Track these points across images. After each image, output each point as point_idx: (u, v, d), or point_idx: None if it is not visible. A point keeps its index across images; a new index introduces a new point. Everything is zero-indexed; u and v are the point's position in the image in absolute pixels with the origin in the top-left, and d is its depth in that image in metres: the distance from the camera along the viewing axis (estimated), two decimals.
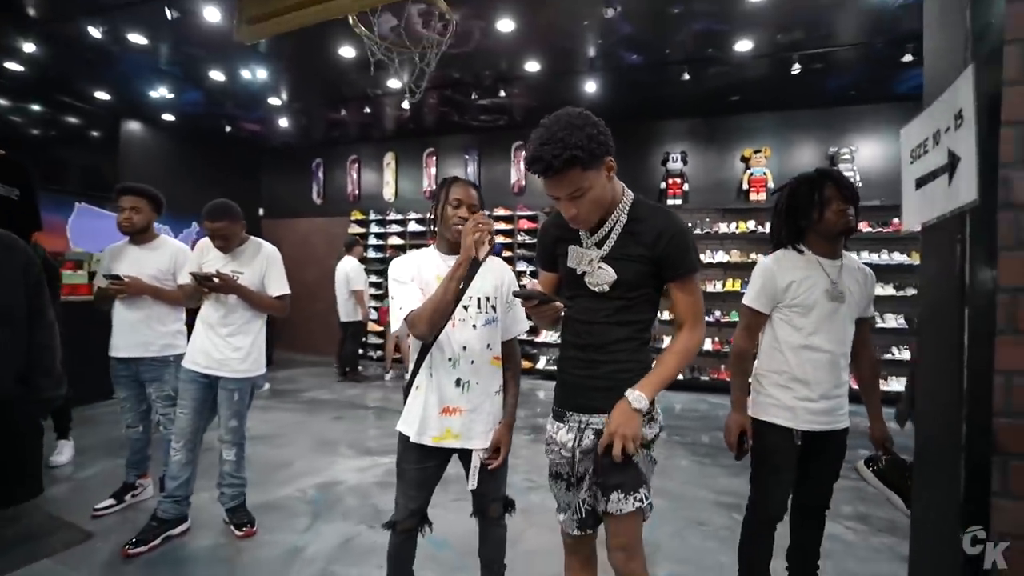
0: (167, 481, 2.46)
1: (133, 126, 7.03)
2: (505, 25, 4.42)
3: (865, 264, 1.87)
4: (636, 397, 1.29)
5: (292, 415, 4.73)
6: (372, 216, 7.96)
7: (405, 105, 5.83)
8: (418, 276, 1.63)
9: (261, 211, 8.94)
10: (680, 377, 6.76)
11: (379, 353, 7.46)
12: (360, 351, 6.95)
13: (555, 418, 1.48)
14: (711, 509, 2.97)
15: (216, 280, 2.36)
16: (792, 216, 1.80)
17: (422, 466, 1.67)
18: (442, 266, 1.66)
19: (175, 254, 2.70)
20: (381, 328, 7.24)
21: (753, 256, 6.22)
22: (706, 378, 6.32)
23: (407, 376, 1.72)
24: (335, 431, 4.19)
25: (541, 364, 6.82)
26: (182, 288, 2.61)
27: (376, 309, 7.32)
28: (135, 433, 2.76)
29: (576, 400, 1.42)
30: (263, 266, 2.50)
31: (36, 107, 6.12)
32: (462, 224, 1.60)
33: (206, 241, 2.49)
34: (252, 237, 2.57)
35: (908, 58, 4.55)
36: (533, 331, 6.63)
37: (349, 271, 6.07)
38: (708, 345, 6.33)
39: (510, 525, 1.82)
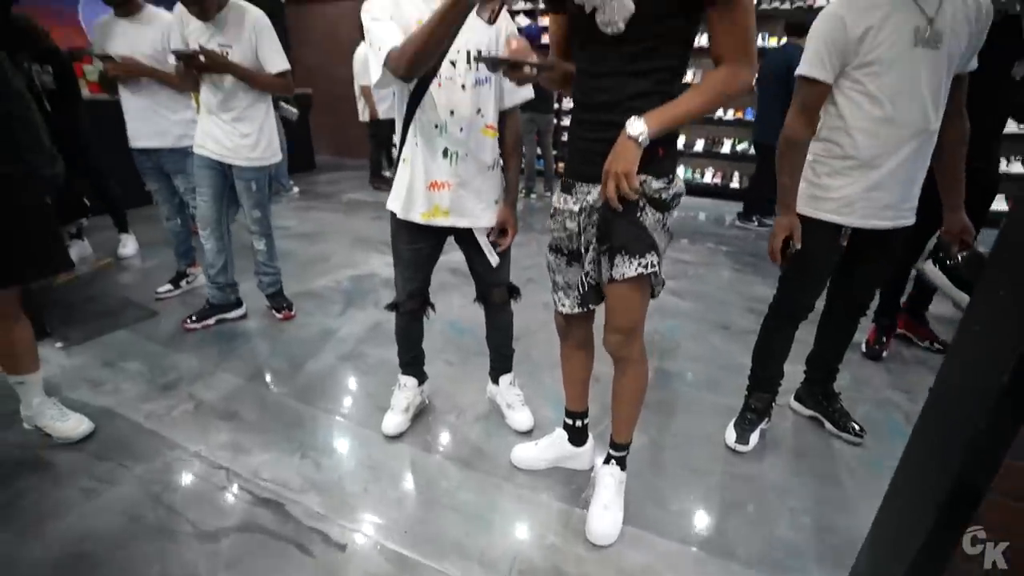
0: (206, 269, 2.57)
1: None
2: None
3: None
4: (634, 124, 1.04)
5: (332, 215, 4.82)
6: None
7: None
8: (397, 16, 1.31)
9: None
10: (735, 186, 6.17)
11: None
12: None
13: (563, 190, 1.28)
14: (740, 314, 2.86)
15: (202, 58, 2.08)
16: None
17: (415, 246, 1.59)
18: (423, 8, 1.32)
19: (166, 28, 2.37)
20: None
21: None
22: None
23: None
24: (372, 230, 4.27)
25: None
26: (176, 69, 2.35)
27: None
28: (174, 226, 2.83)
29: (585, 168, 1.20)
30: (252, 38, 2.17)
31: None
32: None
33: (181, 7, 2.14)
34: (232, 0, 2.17)
35: None
36: None
37: (361, 60, 5.20)
38: None
39: (527, 313, 1.77)
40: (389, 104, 5.34)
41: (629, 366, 1.32)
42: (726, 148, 5.88)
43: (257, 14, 2.20)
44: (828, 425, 1.86)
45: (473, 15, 1.11)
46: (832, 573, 1.29)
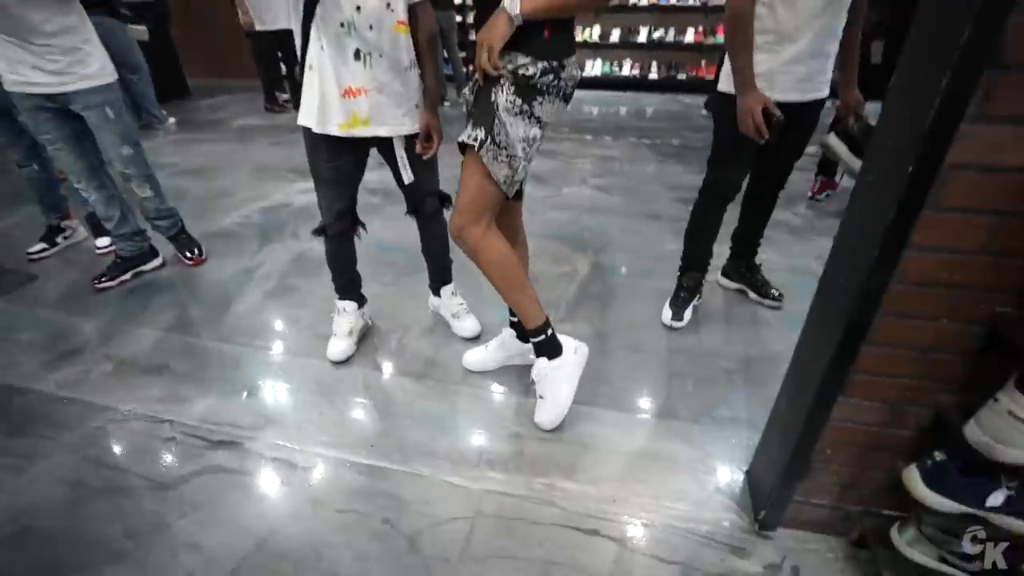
0: (102, 223, 2.25)
1: None
2: None
3: None
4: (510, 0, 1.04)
5: (223, 146, 4.29)
6: None
7: None
8: None
9: None
10: (655, 76, 6.20)
11: None
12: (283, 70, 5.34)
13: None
14: (668, 204, 2.97)
15: None
16: None
17: (336, 163, 1.46)
18: None
19: None
20: None
21: None
22: (683, 76, 5.80)
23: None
24: (274, 157, 3.87)
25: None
26: None
27: None
28: (30, 172, 2.39)
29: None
30: None
31: None
32: None
33: None
34: None
35: None
36: None
37: None
38: (690, 36, 5.58)
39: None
40: (273, 12, 4.62)
41: (472, 255, 1.30)
42: (642, 37, 5.76)
43: None
44: (752, 294, 2.05)
45: None
46: (762, 415, 1.47)
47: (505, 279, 1.32)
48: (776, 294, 2.00)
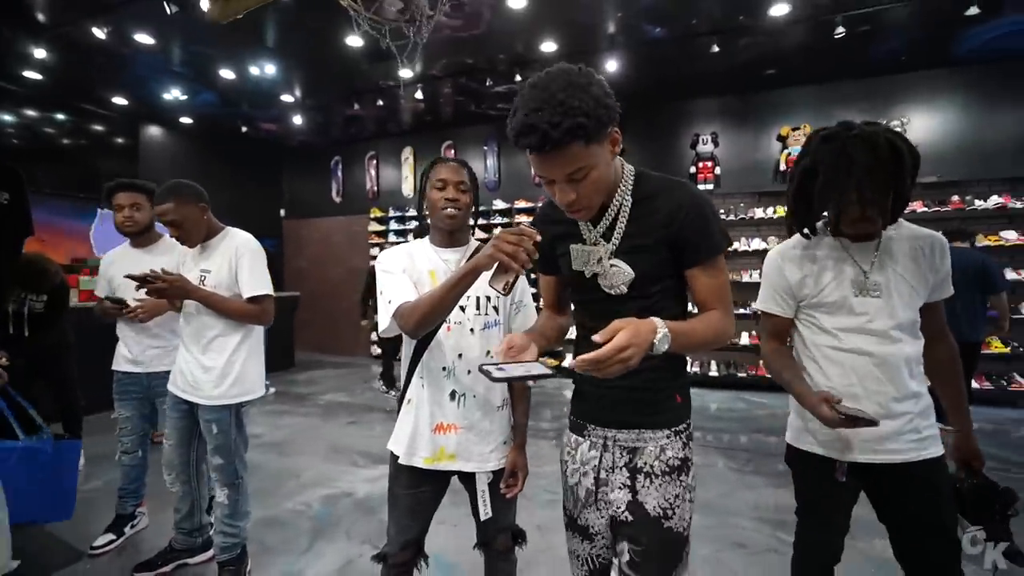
0: (174, 512, 2.22)
1: (153, 131, 7.07)
2: (516, 2, 4.13)
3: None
4: (664, 335, 0.92)
5: (307, 420, 4.60)
6: (391, 213, 7.81)
7: (403, 73, 5.35)
8: (410, 268, 1.41)
9: (283, 212, 8.94)
10: (714, 373, 6.31)
11: None
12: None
13: (573, 430, 1.23)
14: (753, 527, 2.64)
15: (158, 282, 1.86)
16: (802, 201, 1.35)
17: (415, 491, 1.45)
18: (435, 259, 1.44)
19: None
20: None
21: None
22: (743, 374, 5.92)
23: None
24: (349, 437, 4.04)
25: (568, 362, 6.55)
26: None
27: None
28: (133, 459, 2.43)
29: (598, 412, 1.17)
30: (232, 261, 2.00)
31: (57, 115, 6.19)
32: (453, 207, 1.39)
33: (181, 250, 2.13)
34: (229, 228, 2.12)
35: (974, 11, 3.99)
36: None
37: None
38: (745, 339, 5.92)
39: (536, 571, 1.56)
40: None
41: None
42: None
43: (244, 239, 2.06)
44: None
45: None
46: None
47: None
48: None
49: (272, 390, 5.52)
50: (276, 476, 3.28)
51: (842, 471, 1.34)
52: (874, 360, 1.31)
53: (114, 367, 2.42)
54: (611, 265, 1.09)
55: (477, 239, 1.53)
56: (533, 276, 1.28)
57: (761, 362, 1.51)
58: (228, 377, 2.01)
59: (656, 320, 0.94)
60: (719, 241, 1.07)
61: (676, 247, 1.07)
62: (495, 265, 1.08)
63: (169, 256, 2.27)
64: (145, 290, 1.90)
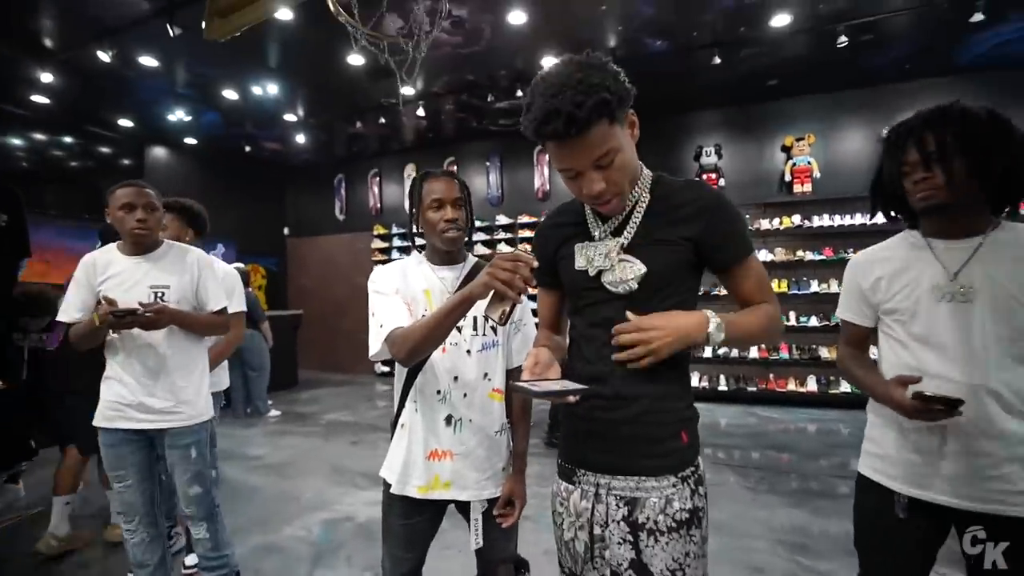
0: (135, 569, 1.89)
1: (158, 152, 7.12)
2: (516, 18, 4.14)
3: None
4: (718, 324, 0.96)
5: (308, 440, 4.51)
6: (395, 230, 7.81)
7: (404, 90, 5.32)
8: (403, 288, 1.35)
9: (286, 230, 8.96)
10: (723, 388, 6.19)
11: None
12: None
13: (562, 476, 1.12)
14: (769, 549, 2.53)
15: (147, 313, 1.67)
16: (880, 182, 1.25)
17: (409, 521, 1.38)
18: (432, 278, 1.38)
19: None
20: None
21: (800, 254, 5.68)
22: (753, 389, 5.79)
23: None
24: (350, 458, 3.94)
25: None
26: (74, 328, 1.76)
27: None
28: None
29: (588, 453, 1.06)
30: (194, 273, 1.89)
31: (64, 138, 6.24)
32: (454, 229, 1.33)
33: (94, 256, 1.83)
34: (167, 240, 1.96)
35: (978, 17, 3.94)
36: None
37: None
38: (754, 352, 5.82)
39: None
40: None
41: None
42: (707, 352, 6.06)
43: (199, 252, 1.96)
44: None
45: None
46: None
47: None
48: None
49: (274, 412, 5.45)
50: (276, 500, 3.21)
51: (902, 504, 1.15)
52: (959, 389, 1.08)
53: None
54: (620, 259, 1.02)
55: (476, 255, 1.48)
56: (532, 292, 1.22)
57: (839, 371, 1.46)
58: (202, 392, 1.93)
59: (707, 311, 0.95)
60: (750, 240, 1.06)
61: (703, 247, 1.02)
62: (491, 293, 1.02)
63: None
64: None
